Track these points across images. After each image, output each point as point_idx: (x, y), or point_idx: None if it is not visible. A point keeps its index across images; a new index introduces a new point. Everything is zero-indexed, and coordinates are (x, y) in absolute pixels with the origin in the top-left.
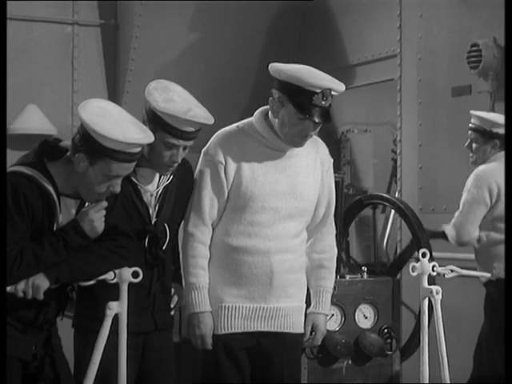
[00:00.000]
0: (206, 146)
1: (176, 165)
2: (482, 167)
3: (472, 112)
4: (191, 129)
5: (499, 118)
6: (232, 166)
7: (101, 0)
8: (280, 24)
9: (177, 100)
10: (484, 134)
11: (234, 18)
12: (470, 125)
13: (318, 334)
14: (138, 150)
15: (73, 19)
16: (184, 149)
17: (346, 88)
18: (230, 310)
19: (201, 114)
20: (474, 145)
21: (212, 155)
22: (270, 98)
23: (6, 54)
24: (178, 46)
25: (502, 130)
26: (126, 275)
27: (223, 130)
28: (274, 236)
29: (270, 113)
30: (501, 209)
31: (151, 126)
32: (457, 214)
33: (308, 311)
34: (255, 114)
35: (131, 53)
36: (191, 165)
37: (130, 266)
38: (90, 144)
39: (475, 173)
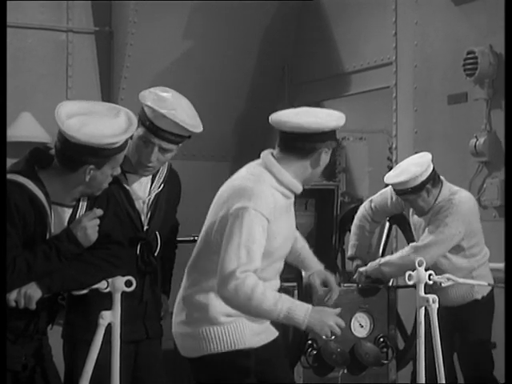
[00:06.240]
0: (250, 199)
1: (151, 165)
2: (463, 206)
3: (389, 182)
4: (167, 128)
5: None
6: (272, 224)
7: (95, 7)
8: (275, 30)
9: (168, 101)
10: (415, 190)
11: (229, 25)
12: (396, 192)
13: (333, 285)
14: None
15: (67, 26)
16: (162, 150)
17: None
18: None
19: (182, 117)
20: (420, 201)
21: (260, 211)
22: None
23: (6, 59)
24: (172, 53)
25: (417, 181)
26: (119, 284)
27: (262, 184)
28: (269, 277)
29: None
30: (474, 238)
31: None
32: (433, 241)
33: (308, 273)
34: (273, 164)
35: (126, 60)
36: (179, 176)
37: (123, 275)
38: (95, 154)
39: (457, 208)
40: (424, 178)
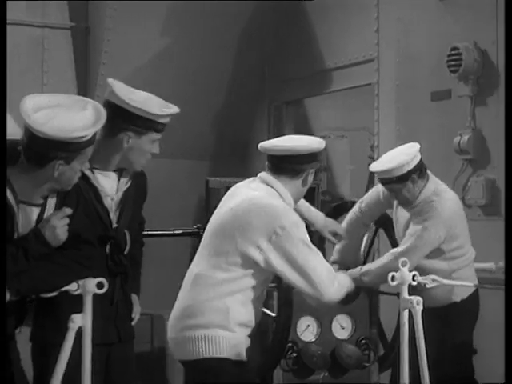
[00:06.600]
0: (292, 214)
1: None
2: (445, 210)
3: (373, 169)
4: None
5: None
6: None
7: (71, 2)
8: (254, 28)
9: (150, 97)
10: (400, 179)
11: (207, 22)
12: (381, 181)
13: (339, 230)
14: None
15: (43, 22)
16: None
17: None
18: None
19: (172, 105)
20: (405, 192)
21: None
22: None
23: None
24: (150, 50)
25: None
26: (89, 286)
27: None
28: None
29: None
30: (456, 241)
31: (132, 128)
32: (412, 247)
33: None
34: (276, 183)
35: (102, 56)
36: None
37: (94, 276)
38: (63, 148)
39: (438, 212)
40: (410, 167)
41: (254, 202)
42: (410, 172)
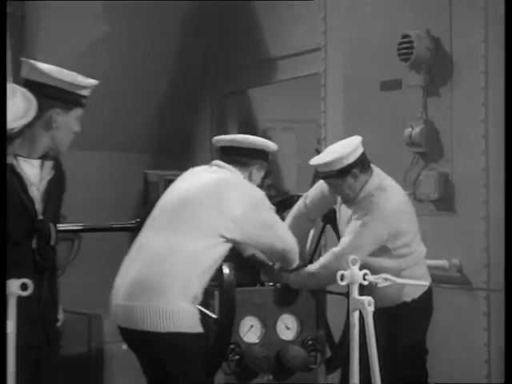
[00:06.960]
0: (264, 198)
1: None
2: (386, 206)
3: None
4: None
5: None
6: None
7: None
8: (196, 16)
9: (69, 71)
10: (340, 173)
11: (146, 12)
12: (320, 175)
13: None
14: None
15: None
16: None
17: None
18: None
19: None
20: (346, 187)
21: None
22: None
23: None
24: (88, 39)
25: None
26: (13, 288)
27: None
28: None
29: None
30: (402, 239)
31: (59, 104)
32: (352, 245)
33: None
34: (234, 170)
35: (38, 45)
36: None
37: (19, 276)
38: None
39: (378, 207)
40: (350, 160)
41: (224, 180)
42: (350, 166)
